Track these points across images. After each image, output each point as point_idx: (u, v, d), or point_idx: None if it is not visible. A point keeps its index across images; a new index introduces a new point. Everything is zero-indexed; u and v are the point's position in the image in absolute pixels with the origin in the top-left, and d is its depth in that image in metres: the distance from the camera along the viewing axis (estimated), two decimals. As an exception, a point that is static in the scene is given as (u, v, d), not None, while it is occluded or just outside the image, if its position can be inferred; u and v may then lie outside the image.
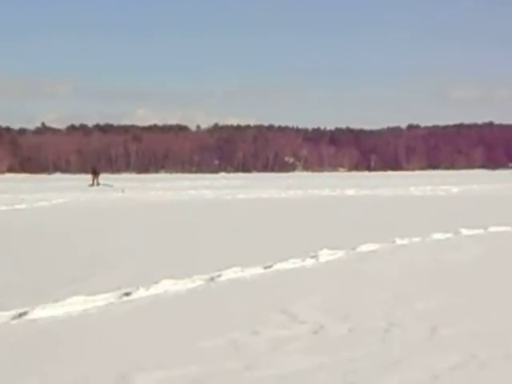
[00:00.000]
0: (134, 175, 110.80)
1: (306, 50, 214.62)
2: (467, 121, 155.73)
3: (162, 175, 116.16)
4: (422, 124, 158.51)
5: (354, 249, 10.51)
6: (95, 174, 46.09)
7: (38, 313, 6.10)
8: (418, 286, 7.66)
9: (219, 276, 8.09)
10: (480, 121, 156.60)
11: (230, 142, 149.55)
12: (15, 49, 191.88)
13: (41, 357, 4.88)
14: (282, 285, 7.74)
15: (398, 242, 11.46)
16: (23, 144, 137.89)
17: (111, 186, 41.77)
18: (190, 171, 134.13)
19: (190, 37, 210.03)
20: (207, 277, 8.04)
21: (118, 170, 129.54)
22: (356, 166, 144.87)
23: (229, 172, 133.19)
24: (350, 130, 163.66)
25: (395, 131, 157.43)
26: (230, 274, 8.26)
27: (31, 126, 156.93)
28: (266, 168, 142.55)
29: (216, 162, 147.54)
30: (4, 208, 21.95)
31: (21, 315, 6.04)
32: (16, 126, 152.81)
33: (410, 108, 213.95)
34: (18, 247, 11.56)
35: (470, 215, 17.83)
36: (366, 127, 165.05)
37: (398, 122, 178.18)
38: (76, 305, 6.44)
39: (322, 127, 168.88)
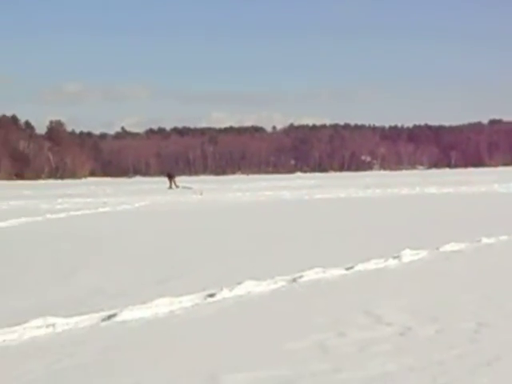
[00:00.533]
0: (211, 177, 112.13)
1: (382, 49, 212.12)
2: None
3: (238, 176, 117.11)
4: (505, 118, 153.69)
5: (437, 248, 10.30)
6: (170, 177, 46.77)
7: (127, 314, 6.24)
8: (507, 286, 7.44)
9: (301, 277, 8.08)
10: None
11: (305, 141, 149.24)
12: (94, 54, 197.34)
13: (131, 358, 4.99)
14: (364, 286, 7.67)
15: (484, 240, 11.17)
16: (104, 148, 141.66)
17: (190, 189, 42.38)
18: (266, 172, 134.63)
19: (264, 38, 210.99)
20: (289, 278, 8.05)
21: (195, 172, 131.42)
22: (436, 164, 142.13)
23: (305, 172, 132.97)
24: (428, 127, 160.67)
25: (476, 126, 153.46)
26: (311, 274, 8.24)
27: (111, 131, 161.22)
28: (342, 167, 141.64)
29: (292, 162, 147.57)
30: (88, 212, 22.58)
31: (110, 317, 6.19)
32: (97, 131, 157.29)
33: (491, 102, 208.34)
34: (103, 250, 11.87)
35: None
36: (446, 123, 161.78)
37: (478, 118, 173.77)
38: (162, 306, 6.56)
39: (399, 125, 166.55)
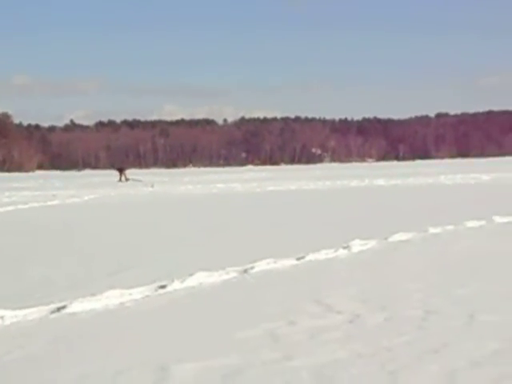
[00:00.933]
0: (162, 170, 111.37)
1: (333, 43, 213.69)
2: (497, 108, 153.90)
3: (190, 169, 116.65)
4: (451, 112, 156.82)
5: (386, 238, 10.47)
6: (121, 171, 46.41)
7: (76, 306, 6.18)
8: (454, 274, 7.62)
9: (252, 268, 8.12)
10: (511, 107, 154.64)
11: (256, 134, 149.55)
12: (43, 47, 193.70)
13: (81, 350, 4.95)
14: (315, 275, 7.75)
15: (431, 230, 11.39)
16: (53, 141, 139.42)
17: (140, 181, 42.04)
18: (217, 165, 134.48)
19: (215, 31, 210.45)
20: (241, 268, 8.08)
21: (146, 165, 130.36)
22: (384, 156, 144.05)
23: (256, 165, 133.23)
24: (377, 120, 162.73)
25: (423, 120, 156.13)
26: (263, 265, 8.29)
27: (60, 124, 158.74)
28: (293, 160, 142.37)
29: (243, 155, 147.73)
30: (36, 205, 22.22)
31: (59, 309, 6.12)
32: (45, 124, 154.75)
33: (438, 96, 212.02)
34: (53, 243, 11.71)
35: (502, 203, 17.64)
36: (394, 117, 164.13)
37: (426, 111, 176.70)
38: (113, 298, 6.51)
39: (349, 118, 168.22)
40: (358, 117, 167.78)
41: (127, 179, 44.80)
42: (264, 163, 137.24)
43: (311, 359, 4.59)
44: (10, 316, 5.85)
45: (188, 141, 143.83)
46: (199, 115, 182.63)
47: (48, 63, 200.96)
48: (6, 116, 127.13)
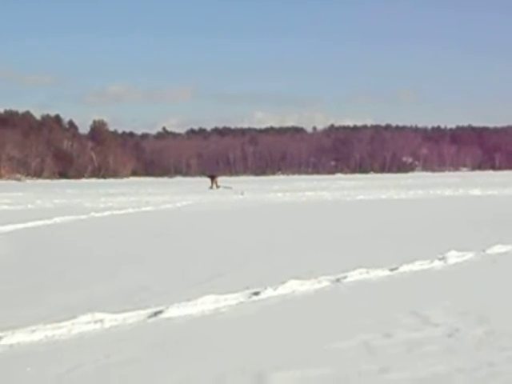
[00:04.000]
0: (251, 177, 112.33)
1: (425, 51, 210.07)
2: None
3: (278, 177, 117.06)
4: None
5: (483, 250, 10.15)
6: (212, 178, 47.15)
7: (173, 311, 6.29)
8: (557, 289, 7.30)
9: (345, 277, 8.05)
10: None
11: (346, 142, 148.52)
12: (136, 56, 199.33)
13: (178, 355, 5.02)
14: (410, 287, 7.60)
15: (532, 243, 10.96)
16: (146, 148, 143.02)
17: (231, 189, 42.53)
18: (306, 173, 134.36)
19: (307, 40, 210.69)
20: (333, 278, 8.02)
21: (236, 173, 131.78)
22: (479, 166, 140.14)
23: (345, 173, 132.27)
24: (472, 128, 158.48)
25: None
26: (355, 275, 8.20)
27: (153, 131, 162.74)
28: (383, 169, 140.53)
29: (332, 163, 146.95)
30: (131, 210, 22.83)
31: (156, 314, 6.24)
32: (139, 131, 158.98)
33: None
34: (148, 248, 11.98)
35: None
36: (490, 124, 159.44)
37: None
38: (208, 303, 6.59)
39: (442, 126, 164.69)
40: (451, 125, 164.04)
41: (218, 186, 45.41)
42: (353, 171, 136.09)
43: (409, 373, 4.50)
44: (110, 319, 6.01)
45: (277, 148, 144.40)
46: (289, 123, 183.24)
47: (141, 72, 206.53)
48: (101, 123, 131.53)
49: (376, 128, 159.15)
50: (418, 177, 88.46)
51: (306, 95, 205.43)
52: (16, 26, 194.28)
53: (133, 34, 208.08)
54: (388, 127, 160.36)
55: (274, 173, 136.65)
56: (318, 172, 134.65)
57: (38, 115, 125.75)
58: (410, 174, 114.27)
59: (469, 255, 9.72)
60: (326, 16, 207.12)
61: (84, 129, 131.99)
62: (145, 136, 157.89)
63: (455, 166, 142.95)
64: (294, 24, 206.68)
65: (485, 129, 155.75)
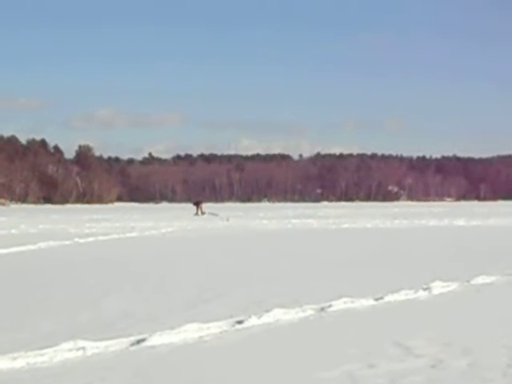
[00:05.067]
0: (237, 204, 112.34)
1: (410, 81, 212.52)
2: None
3: (264, 204, 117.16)
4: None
5: (468, 281, 10.19)
6: (198, 204, 47.14)
7: (156, 339, 6.25)
8: (541, 320, 7.32)
9: (330, 306, 8.04)
10: None
11: (332, 170, 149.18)
12: (124, 83, 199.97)
13: (161, 383, 4.98)
14: (394, 317, 7.60)
15: (516, 274, 11.01)
16: (131, 174, 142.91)
17: (216, 215, 42.50)
18: (292, 200, 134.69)
19: (294, 69, 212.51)
20: (317, 307, 8.01)
21: (221, 199, 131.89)
22: (464, 196, 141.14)
23: (331, 201, 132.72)
24: (457, 158, 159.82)
25: (506, 159, 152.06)
26: (340, 304, 8.19)
27: (139, 156, 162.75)
28: (368, 197, 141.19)
29: (318, 191, 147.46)
30: (116, 236, 22.74)
31: (139, 342, 6.20)
32: (125, 156, 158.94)
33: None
34: (132, 275, 11.91)
35: None
36: (475, 155, 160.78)
37: (509, 150, 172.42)
38: (191, 332, 6.56)
39: (427, 155, 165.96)
40: (436, 155, 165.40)
41: (203, 213, 45.38)
42: (339, 199, 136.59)
43: (392, 404, 4.48)
44: (92, 347, 5.96)
45: (263, 175, 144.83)
46: (275, 150, 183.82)
47: (129, 97, 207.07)
48: (87, 148, 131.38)
49: (362, 156, 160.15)
50: (403, 206, 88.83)
51: (293, 123, 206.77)
52: (4, 50, 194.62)
53: (121, 60, 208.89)
54: (374, 156, 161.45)
55: (259, 200, 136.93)
56: (303, 199, 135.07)
57: (23, 139, 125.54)
58: (395, 203, 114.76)
59: (453, 286, 9.75)
60: (313, 46, 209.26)
61: (70, 154, 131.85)
62: (131, 161, 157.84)
63: (440, 196, 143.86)
64: (281, 53, 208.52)
65: (470, 159, 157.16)
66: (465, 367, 5.38)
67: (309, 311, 7.78)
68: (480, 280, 10.32)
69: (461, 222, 32.63)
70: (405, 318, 7.49)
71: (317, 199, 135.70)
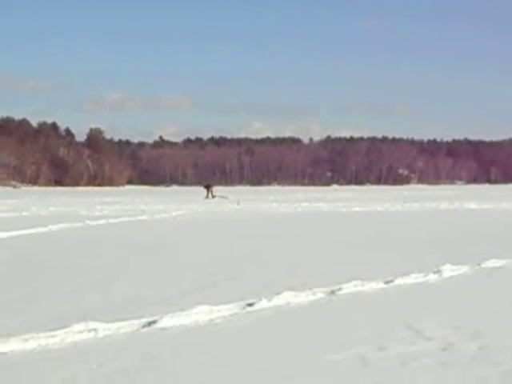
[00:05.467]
0: (247, 187, 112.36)
1: (422, 64, 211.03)
2: None
3: (274, 187, 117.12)
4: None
5: (478, 264, 10.16)
6: (208, 188, 47.17)
7: (167, 321, 6.28)
8: (551, 304, 7.30)
9: (340, 289, 8.04)
10: None
11: (342, 154, 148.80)
12: (134, 65, 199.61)
13: (172, 365, 5.00)
14: (405, 300, 7.60)
15: (527, 257, 10.97)
16: (142, 157, 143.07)
17: (226, 198, 42.55)
18: (302, 183, 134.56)
19: (306, 52, 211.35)
20: (327, 290, 8.01)
21: (232, 183, 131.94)
22: (475, 179, 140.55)
23: (341, 184, 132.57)
24: (468, 142, 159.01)
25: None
26: (350, 287, 8.19)
27: (150, 140, 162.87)
28: (379, 180, 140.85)
29: (328, 175, 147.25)
30: (126, 219, 22.81)
31: (150, 323, 6.23)
32: (135, 140, 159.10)
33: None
34: (142, 258, 11.96)
35: None
36: (486, 138, 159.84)
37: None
38: (202, 314, 6.58)
39: (438, 139, 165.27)
40: (447, 138, 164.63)
41: (214, 196, 45.44)
42: (349, 183, 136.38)
43: (403, 386, 4.49)
44: (103, 329, 5.99)
45: (273, 159, 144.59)
46: (286, 133, 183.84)
47: (140, 80, 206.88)
48: (98, 131, 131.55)
49: (372, 140, 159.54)
50: (414, 189, 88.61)
51: (304, 106, 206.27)
52: (16, 33, 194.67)
53: (133, 43, 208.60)
54: (384, 139, 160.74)
55: (270, 183, 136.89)
56: (313, 183, 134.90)
57: (34, 122, 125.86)
58: (405, 187, 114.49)
59: (463, 269, 9.73)
60: (323, 28, 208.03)
61: (81, 137, 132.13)
62: (141, 144, 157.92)
63: (451, 179, 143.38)
64: (293, 35, 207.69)
65: (481, 142, 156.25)
66: (475, 350, 5.37)
67: (319, 294, 7.79)
68: (491, 263, 10.29)
69: (472, 205, 32.51)
70: (415, 301, 7.49)
71: (327, 183, 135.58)
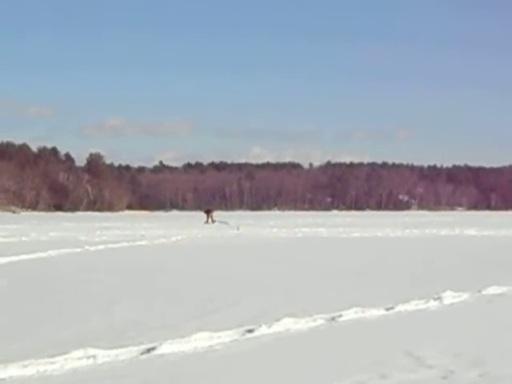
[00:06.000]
0: (247, 212, 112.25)
1: (419, 88, 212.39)
2: None
3: (274, 212, 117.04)
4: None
5: (479, 291, 10.14)
6: (208, 213, 47.17)
7: (166, 348, 6.24)
8: (553, 331, 7.26)
9: (340, 316, 8.01)
10: None
11: (342, 179, 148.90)
12: (135, 91, 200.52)
13: (171, 392, 4.97)
14: (405, 327, 7.57)
15: (527, 284, 10.94)
16: (142, 182, 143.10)
17: (226, 224, 42.50)
18: (302, 208, 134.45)
19: (305, 77, 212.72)
20: (328, 316, 7.98)
21: (232, 207, 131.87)
22: (475, 205, 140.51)
23: (341, 210, 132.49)
24: (468, 168, 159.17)
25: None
26: (350, 314, 8.16)
27: (150, 165, 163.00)
28: (379, 206, 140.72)
29: (328, 200, 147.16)
30: (126, 244, 22.77)
31: (149, 350, 6.20)
32: (135, 165, 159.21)
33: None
34: (142, 283, 11.92)
35: None
36: (486, 164, 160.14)
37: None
38: (202, 341, 6.55)
39: (438, 164, 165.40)
40: (447, 164, 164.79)
41: (214, 221, 45.40)
42: (349, 208, 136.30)
43: (404, 415, 4.45)
44: (102, 355, 5.96)
45: (273, 184, 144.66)
46: (286, 158, 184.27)
47: (141, 106, 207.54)
48: (98, 156, 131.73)
49: (372, 165, 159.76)
50: (414, 215, 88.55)
51: (304, 131, 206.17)
52: (18, 59, 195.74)
53: (134, 69, 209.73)
54: (384, 165, 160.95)
55: (270, 208, 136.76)
56: (313, 208, 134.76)
57: (34, 147, 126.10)
58: (405, 212, 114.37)
59: (464, 296, 9.70)
60: (324, 54, 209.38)
61: (81, 161, 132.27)
62: (141, 169, 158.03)
63: (451, 206, 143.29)
64: (293, 62, 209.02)
65: (481, 169, 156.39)
66: (476, 378, 5.34)
67: (319, 321, 7.76)
68: (491, 290, 10.26)
69: (472, 232, 32.48)
70: (416, 328, 7.45)
71: (327, 208, 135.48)
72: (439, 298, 9.33)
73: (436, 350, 6.29)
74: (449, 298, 9.43)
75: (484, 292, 10.12)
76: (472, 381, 5.27)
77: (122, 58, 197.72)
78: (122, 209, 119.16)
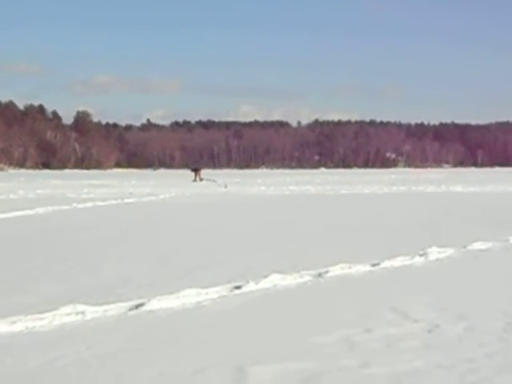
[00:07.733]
0: (235, 171, 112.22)
1: (410, 48, 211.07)
2: None
3: (262, 171, 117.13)
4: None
5: (464, 247, 10.24)
6: (196, 171, 47.16)
7: (155, 304, 6.28)
8: (536, 286, 7.37)
9: (327, 272, 8.08)
10: None
11: (330, 137, 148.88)
12: (124, 47, 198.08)
13: (159, 348, 5.02)
14: (391, 282, 7.65)
15: (512, 240, 11.07)
16: (130, 140, 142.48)
17: (214, 182, 42.52)
18: (290, 167, 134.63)
19: (295, 34, 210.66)
20: (315, 272, 8.04)
21: (219, 166, 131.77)
22: (462, 163, 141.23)
23: (329, 168, 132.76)
24: (455, 125, 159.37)
25: (504, 126, 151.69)
26: (337, 270, 8.23)
27: (137, 123, 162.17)
28: (366, 164, 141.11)
29: (316, 158, 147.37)
30: (114, 202, 22.77)
31: (137, 306, 6.23)
32: (123, 123, 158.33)
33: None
34: (130, 240, 11.96)
35: None
36: (473, 122, 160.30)
37: (507, 117, 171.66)
38: (190, 297, 6.60)
39: (425, 122, 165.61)
40: (434, 121, 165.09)
41: (201, 179, 45.41)
42: (337, 166, 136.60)
43: (388, 368, 4.53)
44: (91, 311, 5.99)
45: (261, 142, 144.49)
46: (274, 116, 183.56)
47: (129, 63, 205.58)
48: (85, 114, 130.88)
49: (360, 123, 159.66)
50: (401, 172, 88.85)
51: (292, 89, 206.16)
52: (4, 15, 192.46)
53: (122, 26, 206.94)
54: (372, 123, 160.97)
55: (257, 166, 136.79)
56: (301, 166, 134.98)
57: (21, 105, 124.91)
58: (393, 170, 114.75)
59: (450, 251, 9.79)
60: (313, 12, 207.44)
61: (68, 119, 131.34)
62: (129, 127, 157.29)
63: (438, 163, 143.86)
64: (283, 19, 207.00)
65: (467, 126, 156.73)
66: (461, 332, 5.42)
67: (306, 277, 7.82)
68: (477, 246, 10.37)
69: (458, 189, 32.69)
70: (401, 284, 7.54)
71: (315, 166, 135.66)
72: (425, 254, 9.42)
73: (421, 304, 6.37)
74: (434, 253, 9.53)
75: (469, 247, 10.22)
76: (457, 334, 5.35)
77: (111, 15, 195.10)
78: (110, 167, 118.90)
